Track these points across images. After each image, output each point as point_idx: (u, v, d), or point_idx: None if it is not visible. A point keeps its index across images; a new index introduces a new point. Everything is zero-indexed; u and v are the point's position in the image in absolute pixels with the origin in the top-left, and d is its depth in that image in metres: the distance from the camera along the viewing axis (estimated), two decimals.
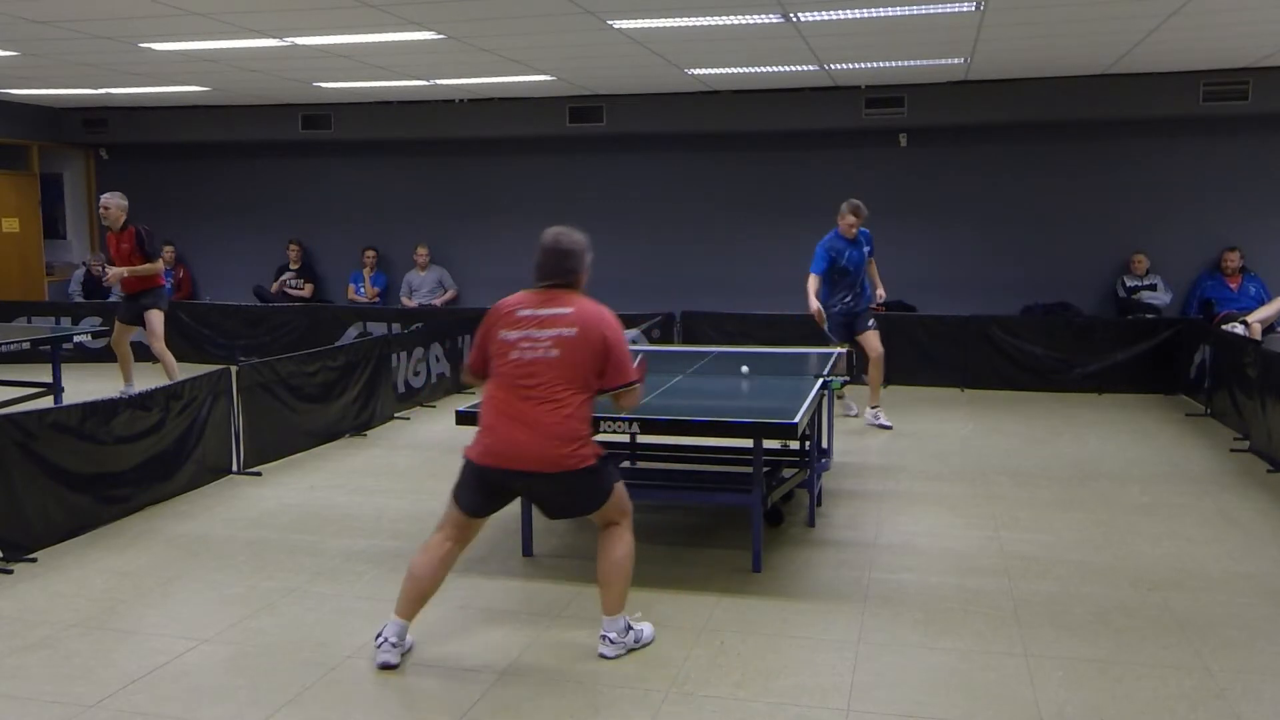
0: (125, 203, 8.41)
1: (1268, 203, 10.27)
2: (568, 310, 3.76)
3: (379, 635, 3.84)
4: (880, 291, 8.30)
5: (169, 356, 8.46)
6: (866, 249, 8.13)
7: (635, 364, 3.93)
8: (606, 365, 3.77)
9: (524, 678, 3.72)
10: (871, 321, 8.16)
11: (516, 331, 3.77)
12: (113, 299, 11.38)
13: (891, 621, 4.22)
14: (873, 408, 8.19)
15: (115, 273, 8.39)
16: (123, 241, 8.38)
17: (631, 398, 3.90)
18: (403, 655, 3.84)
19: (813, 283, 7.88)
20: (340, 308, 11.73)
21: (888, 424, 8.04)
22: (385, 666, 3.77)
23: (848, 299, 8.07)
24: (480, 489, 3.86)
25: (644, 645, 3.97)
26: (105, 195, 8.42)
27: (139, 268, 8.37)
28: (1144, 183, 10.59)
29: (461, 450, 3.96)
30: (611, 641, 3.87)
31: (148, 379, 8.47)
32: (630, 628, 3.93)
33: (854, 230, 7.98)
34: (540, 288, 3.84)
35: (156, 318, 8.55)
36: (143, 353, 9.02)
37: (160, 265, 8.48)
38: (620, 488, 3.93)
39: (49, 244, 13.24)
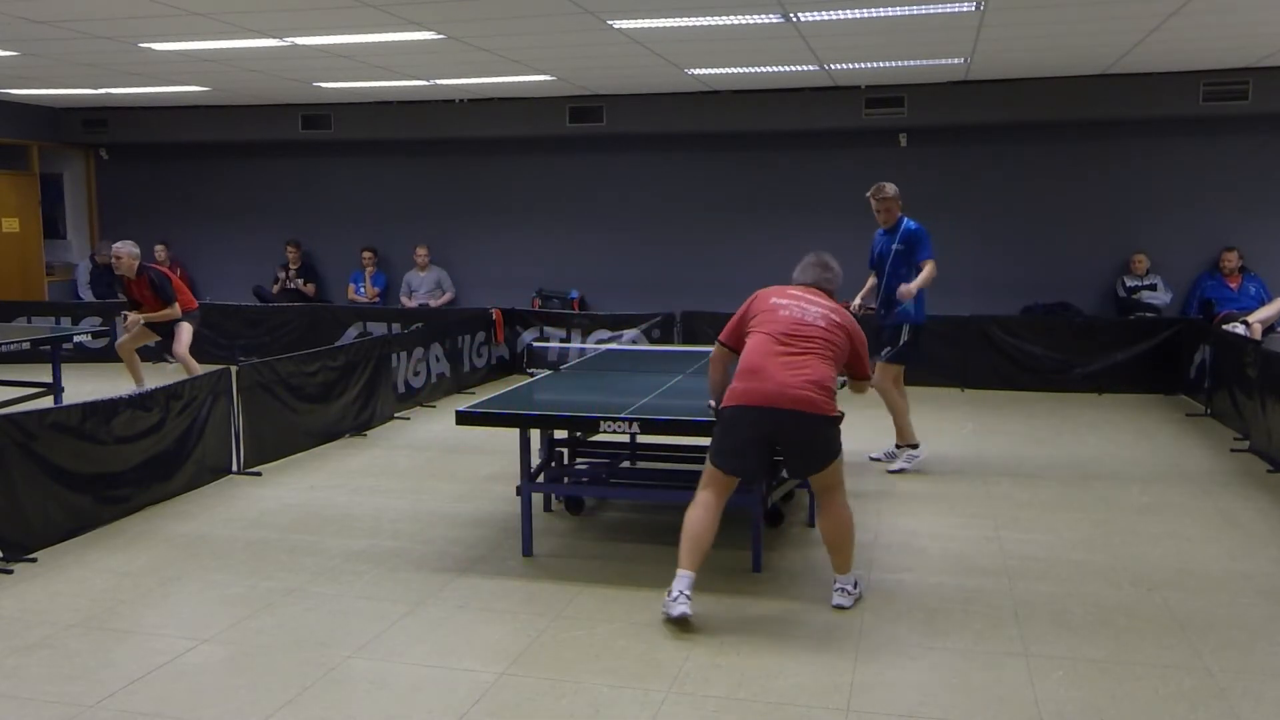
0: (136, 250, 8.46)
1: (1268, 203, 10.27)
2: (830, 304, 4.44)
3: (670, 591, 4.15)
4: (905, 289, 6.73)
5: (192, 362, 8.47)
6: (897, 246, 6.69)
7: None
8: (854, 356, 4.42)
9: (524, 678, 3.72)
10: (886, 350, 6.73)
11: (788, 300, 4.40)
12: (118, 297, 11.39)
13: (891, 621, 4.22)
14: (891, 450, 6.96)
15: (134, 319, 8.48)
16: (142, 288, 8.46)
17: (864, 389, 4.68)
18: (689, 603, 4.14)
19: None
20: (340, 308, 11.72)
21: (902, 465, 6.75)
22: (682, 618, 4.10)
23: (872, 303, 6.98)
24: (740, 436, 4.24)
25: (861, 595, 4.44)
26: (117, 245, 8.48)
27: (156, 315, 8.45)
28: (1144, 183, 10.59)
29: (715, 408, 4.40)
30: (848, 592, 4.36)
31: (157, 381, 8.46)
32: (857, 583, 4.43)
33: (884, 219, 6.76)
34: (801, 285, 4.53)
35: (186, 329, 8.60)
36: (147, 354, 9.01)
37: (176, 310, 8.50)
38: (841, 461, 4.35)
39: (49, 244, 13.24)
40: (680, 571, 4.17)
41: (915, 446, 6.78)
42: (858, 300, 6.90)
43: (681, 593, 4.12)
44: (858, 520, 5.59)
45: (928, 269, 6.64)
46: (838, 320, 4.37)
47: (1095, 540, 5.26)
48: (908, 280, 6.62)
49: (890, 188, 6.74)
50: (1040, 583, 4.65)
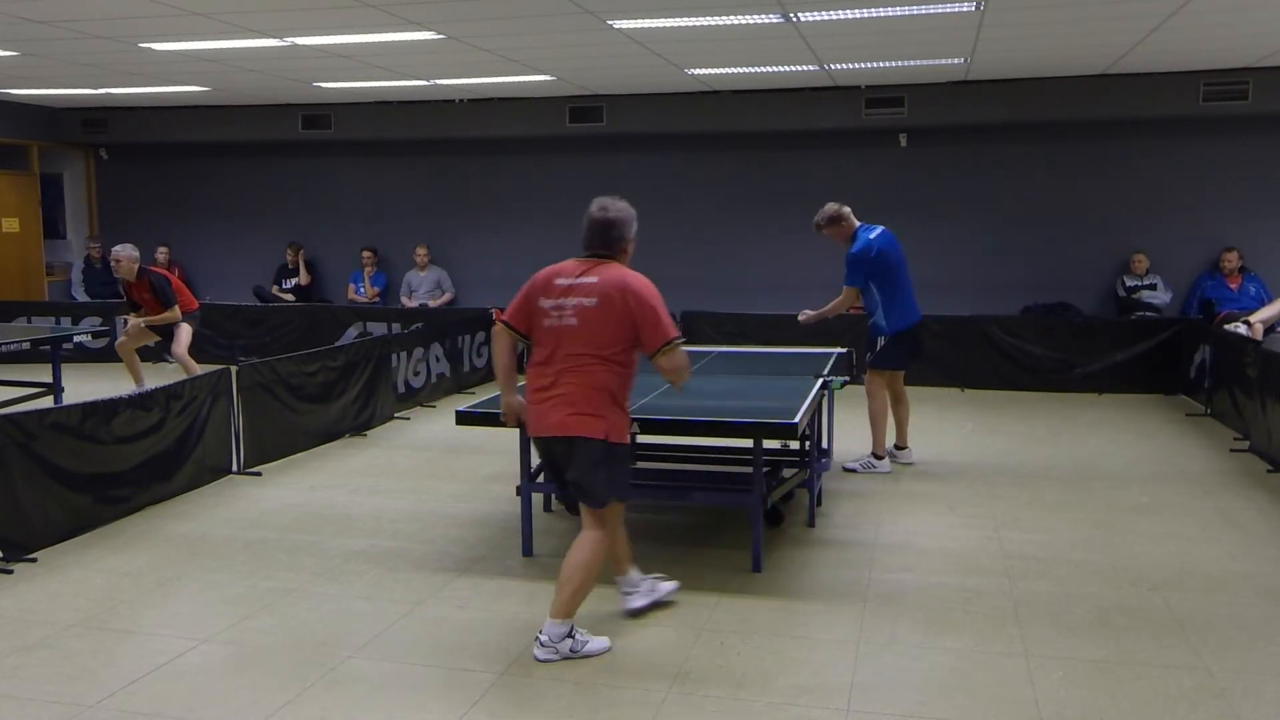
0: (136, 253, 8.52)
1: (1268, 203, 10.27)
2: (593, 280, 3.80)
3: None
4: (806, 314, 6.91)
5: (191, 362, 8.47)
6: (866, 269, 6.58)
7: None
8: (640, 328, 3.76)
9: (524, 678, 3.72)
10: (867, 355, 6.81)
11: (550, 300, 3.86)
12: (114, 299, 11.38)
13: (891, 621, 4.22)
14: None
15: (135, 324, 8.54)
16: (142, 290, 8.53)
17: (673, 359, 3.81)
18: (637, 590, 4.22)
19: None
20: (340, 308, 11.72)
21: (854, 466, 6.76)
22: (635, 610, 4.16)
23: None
24: (544, 460, 4.08)
25: (584, 656, 3.83)
26: (116, 249, 8.54)
27: (156, 318, 8.51)
28: (1144, 183, 10.59)
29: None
30: (543, 644, 3.81)
31: (157, 381, 8.46)
32: (572, 636, 3.83)
33: (839, 243, 6.68)
34: (584, 257, 3.94)
35: (185, 329, 8.65)
36: (147, 354, 9.02)
37: (176, 312, 8.56)
38: (620, 506, 3.97)
39: (49, 244, 13.24)
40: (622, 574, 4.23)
41: (880, 458, 6.75)
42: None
43: (623, 591, 4.22)
44: (858, 520, 5.62)
45: (841, 296, 6.61)
46: (595, 304, 3.75)
47: (1095, 540, 5.26)
48: (874, 302, 6.63)
49: (823, 214, 6.57)
50: (1040, 583, 4.65)
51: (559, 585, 3.86)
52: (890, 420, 6.83)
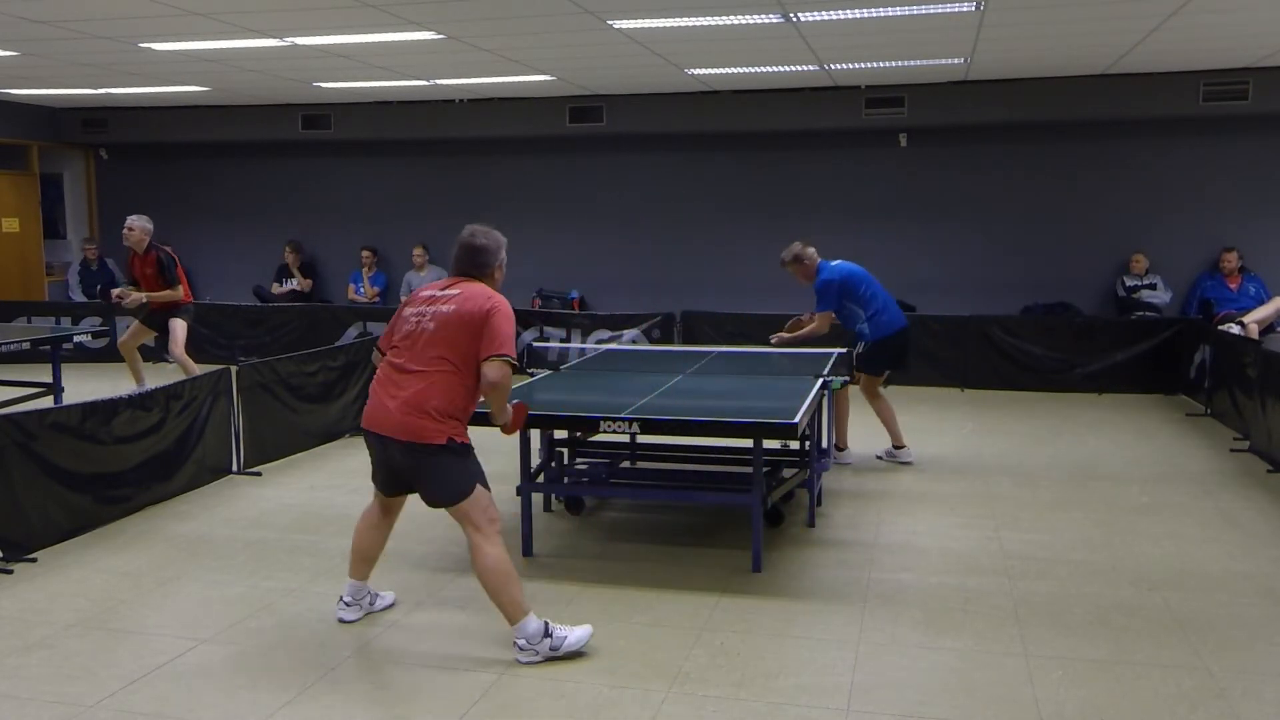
0: (150, 226, 8.44)
1: (1267, 203, 10.27)
2: (456, 292, 3.91)
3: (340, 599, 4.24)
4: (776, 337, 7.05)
5: (189, 362, 8.44)
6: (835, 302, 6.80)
7: (513, 408, 4.08)
8: (480, 335, 3.78)
9: (524, 678, 3.72)
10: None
11: (412, 308, 3.97)
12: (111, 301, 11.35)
13: (891, 621, 4.22)
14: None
15: (135, 298, 8.38)
16: (146, 266, 8.40)
17: (496, 373, 3.75)
18: (367, 613, 4.26)
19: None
20: (340, 308, 11.72)
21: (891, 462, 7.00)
22: (343, 621, 4.18)
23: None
24: (372, 457, 4.04)
25: (568, 651, 3.83)
26: (131, 218, 8.44)
27: (158, 294, 8.39)
28: (1144, 183, 10.59)
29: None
30: (521, 648, 3.82)
31: (157, 381, 8.46)
32: (548, 634, 3.82)
33: (802, 281, 6.91)
34: (456, 275, 4.02)
35: (180, 326, 8.53)
36: (147, 354, 9.00)
37: (179, 292, 8.45)
38: (481, 492, 3.86)
39: (49, 244, 13.24)
40: (348, 580, 4.25)
41: (901, 447, 6.99)
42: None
43: (341, 599, 4.24)
44: (858, 520, 5.62)
45: (814, 322, 6.84)
46: (452, 311, 3.81)
47: (1095, 540, 5.26)
48: (855, 322, 6.86)
49: (789, 250, 6.78)
50: (1040, 583, 4.65)
51: (493, 595, 3.85)
52: (839, 416, 7.00)
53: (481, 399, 3.94)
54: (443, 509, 3.90)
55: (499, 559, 3.82)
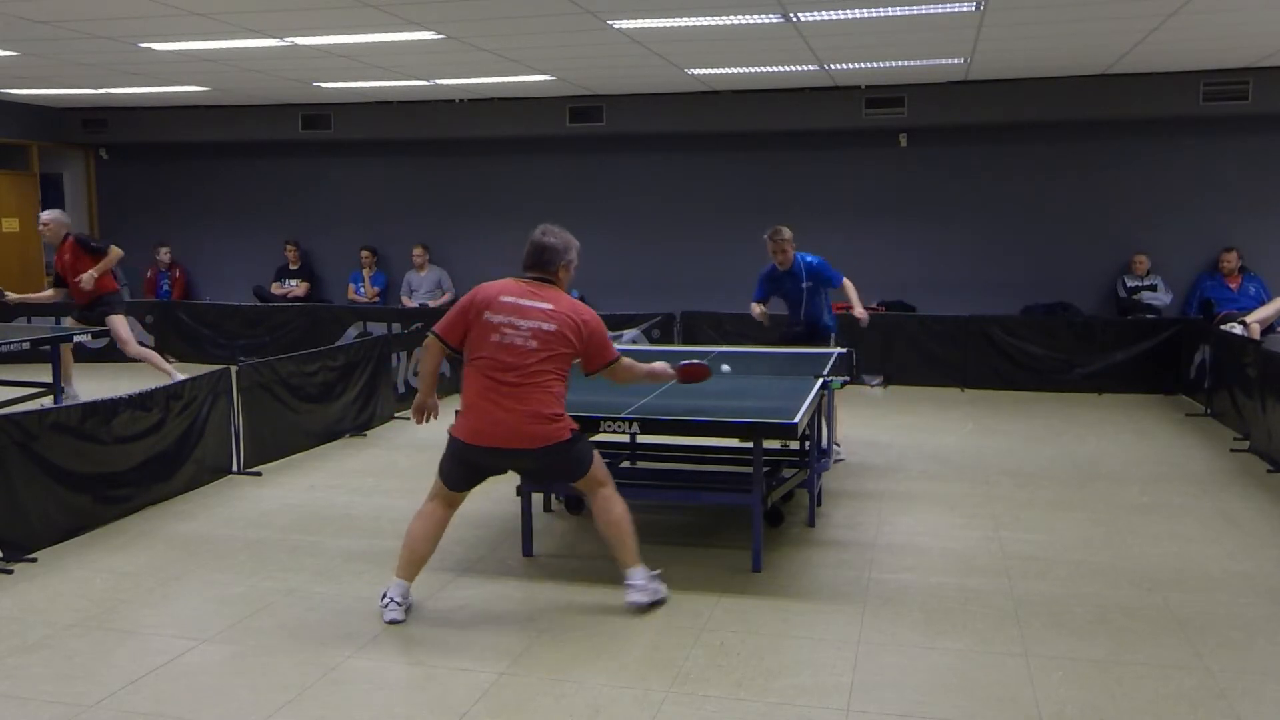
0: (65, 218, 8.37)
1: (1268, 203, 10.27)
2: (548, 305, 4.14)
3: (383, 595, 4.23)
4: (858, 312, 7.20)
5: (150, 354, 8.39)
6: (807, 284, 7.02)
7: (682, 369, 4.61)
8: (589, 353, 4.20)
9: (524, 678, 3.72)
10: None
11: (500, 315, 4.12)
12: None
13: (891, 621, 4.22)
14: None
15: (89, 277, 8.11)
16: (64, 253, 8.27)
17: (624, 374, 4.38)
18: (407, 612, 4.23)
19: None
20: (340, 308, 11.73)
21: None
22: (393, 623, 4.16)
23: (798, 329, 7.24)
24: (467, 466, 4.22)
25: (661, 600, 4.32)
26: (44, 213, 8.37)
27: (98, 266, 8.15)
28: (1144, 183, 10.59)
29: (447, 428, 4.28)
30: (639, 587, 4.26)
31: (143, 380, 8.47)
32: (652, 578, 4.32)
33: (782, 259, 6.99)
34: (525, 278, 4.26)
35: (119, 324, 8.36)
36: (119, 355, 9.02)
37: (117, 251, 8.25)
38: (598, 458, 4.32)
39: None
40: (395, 580, 4.25)
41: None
42: (758, 311, 7.17)
43: (393, 600, 4.20)
44: (858, 520, 5.63)
45: (850, 286, 7.17)
46: (552, 327, 4.09)
47: (1095, 540, 5.26)
48: (822, 307, 7.14)
49: (787, 231, 7.01)
50: (1040, 583, 4.65)
51: (613, 544, 4.30)
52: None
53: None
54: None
55: (626, 509, 4.32)
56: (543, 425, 4.07)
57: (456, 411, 4.27)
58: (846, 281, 7.13)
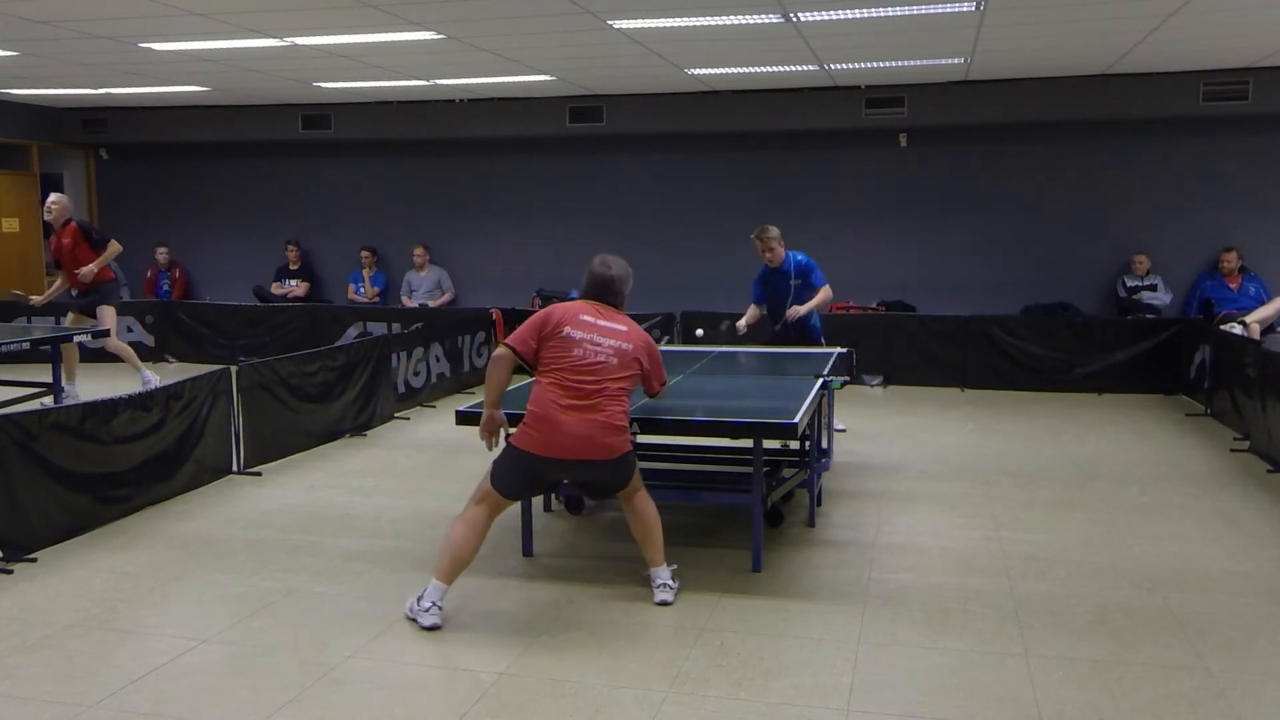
0: (69, 202, 8.60)
1: (1268, 203, 10.27)
2: (624, 328, 4.40)
3: (419, 599, 4.21)
4: (801, 310, 7.31)
5: (125, 348, 8.56)
6: (795, 281, 7.33)
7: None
8: (652, 376, 4.51)
9: (524, 678, 3.72)
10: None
11: (581, 333, 4.30)
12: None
13: (891, 621, 4.22)
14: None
15: (87, 271, 8.43)
16: (64, 236, 8.47)
17: (664, 392, 4.73)
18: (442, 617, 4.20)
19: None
20: (340, 308, 11.72)
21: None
22: (433, 628, 4.15)
23: (788, 331, 7.47)
24: (531, 476, 4.34)
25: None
26: (54, 195, 8.59)
27: (101, 258, 8.48)
28: (1144, 183, 10.59)
29: (508, 438, 4.37)
30: (670, 587, 4.42)
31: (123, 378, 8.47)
32: (675, 578, 4.48)
33: (771, 257, 7.32)
34: (595, 302, 4.46)
35: (109, 314, 8.62)
36: (145, 354, 9.06)
37: (117, 246, 8.52)
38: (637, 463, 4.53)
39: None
40: (434, 583, 4.20)
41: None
42: (742, 322, 7.61)
43: (435, 604, 4.16)
44: (858, 520, 5.63)
45: (824, 292, 7.43)
46: (630, 347, 4.34)
47: (1095, 540, 5.26)
48: (812, 314, 7.43)
49: (774, 229, 7.30)
50: (1040, 583, 4.65)
51: (645, 542, 4.47)
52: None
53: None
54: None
55: (655, 507, 4.53)
56: (617, 437, 4.26)
57: (506, 413, 4.45)
58: (826, 288, 7.41)
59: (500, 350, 4.35)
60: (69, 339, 8.43)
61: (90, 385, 8.63)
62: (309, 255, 12.79)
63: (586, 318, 4.33)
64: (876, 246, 11.09)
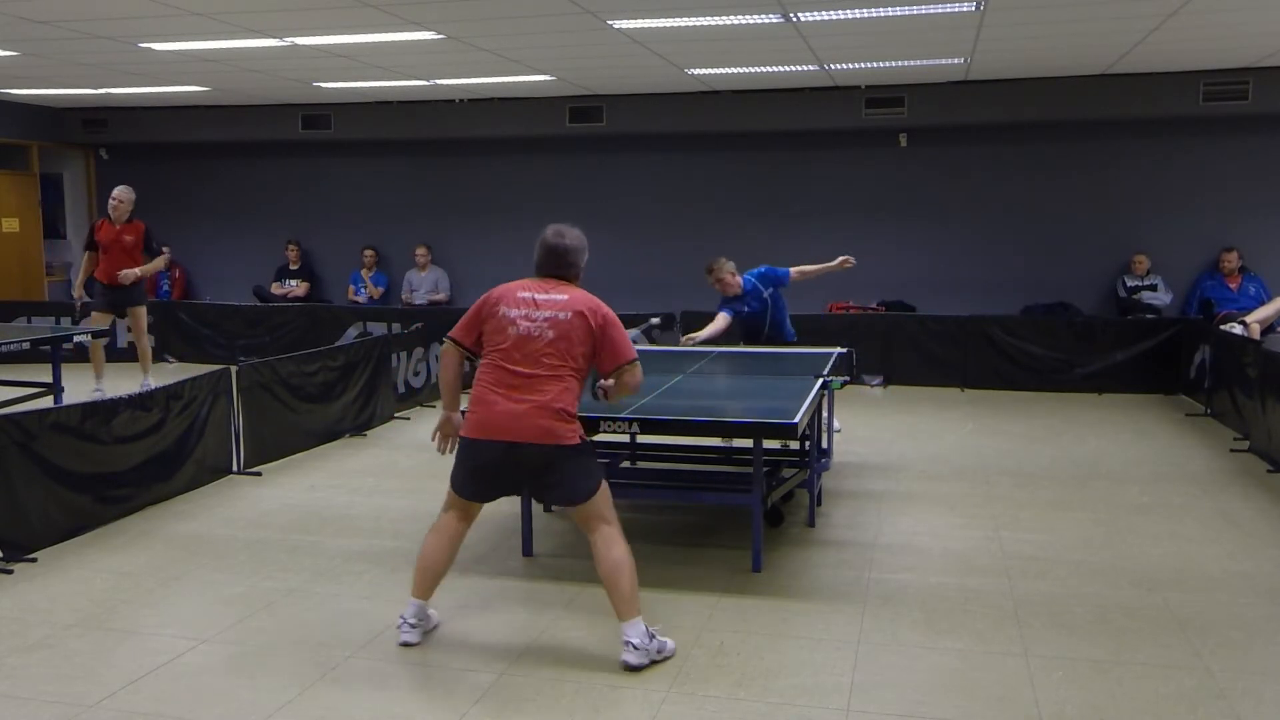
0: (134, 196, 8.78)
1: (1268, 203, 10.27)
2: (563, 297, 3.92)
3: (400, 617, 4.03)
4: (832, 265, 7.45)
5: (148, 351, 8.79)
6: (769, 293, 7.36)
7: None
8: (602, 348, 3.90)
9: (524, 678, 3.72)
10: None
11: (517, 310, 3.91)
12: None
13: (891, 621, 4.22)
14: None
15: (132, 272, 8.62)
16: (127, 233, 8.60)
17: (637, 376, 3.97)
18: (425, 633, 4.06)
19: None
20: (340, 308, 11.72)
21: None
22: (405, 645, 3.98)
23: (764, 340, 7.48)
24: (475, 469, 3.90)
25: (666, 658, 3.84)
26: (119, 189, 8.76)
27: (149, 267, 8.78)
28: (1144, 183, 10.59)
29: (459, 430, 4.04)
30: (635, 648, 3.75)
31: (158, 381, 8.48)
32: (653, 635, 3.83)
33: (725, 288, 7.37)
34: (540, 277, 4.02)
35: (141, 315, 8.84)
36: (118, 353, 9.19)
37: (165, 258, 8.86)
38: (606, 487, 3.91)
39: (49, 244, 13.24)
40: (410, 600, 4.01)
41: None
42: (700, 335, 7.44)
43: (405, 620, 3.99)
44: (858, 520, 5.62)
45: (804, 267, 7.51)
46: (567, 316, 3.85)
47: (1095, 540, 5.26)
48: (785, 314, 7.48)
49: (722, 259, 7.35)
50: (1040, 583, 4.65)
51: (610, 588, 3.81)
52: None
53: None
54: (564, 507, 3.97)
55: (629, 553, 3.85)
56: (553, 420, 3.76)
57: (462, 412, 4.10)
58: (795, 269, 7.40)
59: (444, 344, 4.07)
60: (68, 338, 8.43)
61: (90, 385, 8.63)
62: (309, 255, 12.79)
63: (524, 294, 3.93)
64: (876, 246, 11.06)
